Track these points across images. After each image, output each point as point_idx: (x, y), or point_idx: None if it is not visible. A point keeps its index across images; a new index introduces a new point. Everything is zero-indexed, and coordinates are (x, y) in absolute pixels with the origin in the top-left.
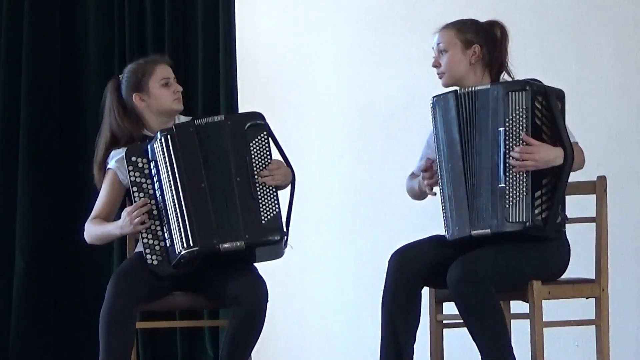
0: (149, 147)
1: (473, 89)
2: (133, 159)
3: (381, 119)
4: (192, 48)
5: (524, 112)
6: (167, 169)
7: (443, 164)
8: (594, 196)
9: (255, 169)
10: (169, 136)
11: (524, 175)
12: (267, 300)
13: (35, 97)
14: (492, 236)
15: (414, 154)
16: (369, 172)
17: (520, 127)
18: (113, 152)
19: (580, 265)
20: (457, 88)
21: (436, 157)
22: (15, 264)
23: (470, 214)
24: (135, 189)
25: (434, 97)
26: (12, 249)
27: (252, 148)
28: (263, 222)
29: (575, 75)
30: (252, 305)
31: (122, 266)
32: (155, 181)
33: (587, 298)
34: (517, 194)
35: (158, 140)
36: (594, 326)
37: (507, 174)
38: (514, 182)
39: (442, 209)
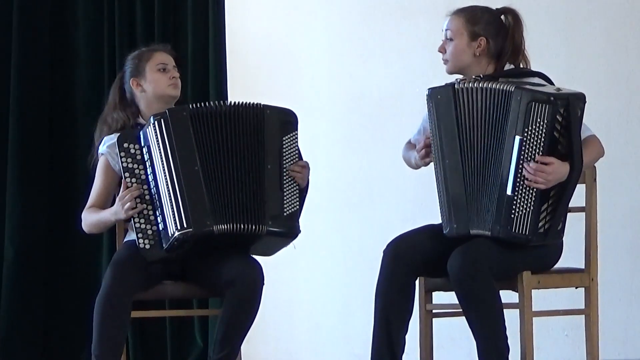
0: (141, 133)
1: (480, 85)
2: (125, 145)
3: (372, 108)
4: (181, 38)
5: (545, 125)
6: (159, 152)
7: (440, 157)
8: (583, 186)
9: (284, 162)
10: (162, 119)
11: (534, 189)
12: (263, 284)
13: (24, 86)
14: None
15: (404, 142)
16: (359, 162)
17: (539, 140)
18: (106, 138)
19: (569, 255)
20: (454, 82)
21: (433, 147)
22: (4, 252)
23: (470, 213)
24: (127, 174)
25: (429, 89)
26: (1, 237)
27: (284, 142)
28: (285, 213)
29: (564, 65)
30: (249, 288)
31: (118, 255)
32: (147, 166)
33: (576, 288)
34: (525, 206)
35: (151, 124)
36: (583, 316)
37: (518, 184)
38: (523, 195)
39: (440, 203)
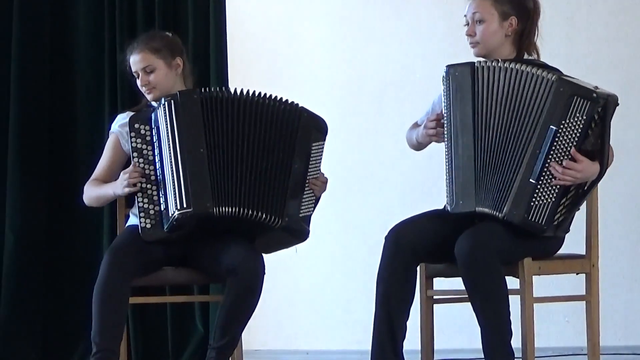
0: (152, 115)
1: (512, 67)
2: (136, 125)
3: (372, 93)
4: (182, 23)
5: (583, 121)
6: (167, 133)
7: (452, 135)
8: None
9: (310, 167)
10: (172, 101)
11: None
12: (264, 273)
13: (25, 74)
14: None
15: (405, 128)
16: (359, 148)
17: (574, 134)
18: (118, 117)
19: (570, 241)
20: (474, 60)
21: (446, 126)
22: (4, 238)
23: (477, 190)
24: (135, 154)
25: (447, 66)
26: (1, 224)
27: (313, 148)
28: (300, 214)
29: (565, 50)
30: (250, 277)
31: (116, 241)
32: (155, 147)
33: (577, 274)
34: (546, 197)
35: (162, 105)
36: (584, 302)
37: (544, 174)
38: (547, 185)
39: (446, 181)
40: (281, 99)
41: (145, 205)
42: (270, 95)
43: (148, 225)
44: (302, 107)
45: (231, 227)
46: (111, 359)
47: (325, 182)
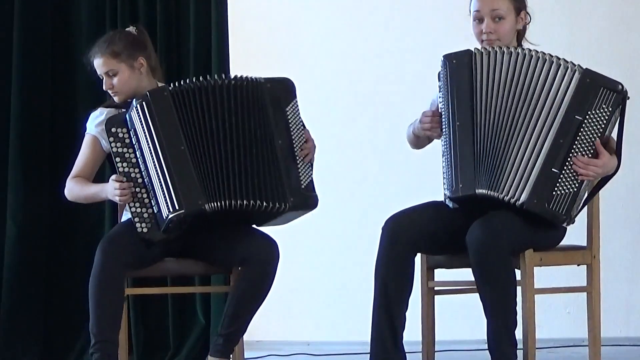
0: (127, 116)
1: (522, 52)
2: (113, 129)
3: (373, 84)
4: (183, 21)
5: (608, 112)
6: (145, 135)
7: (450, 120)
8: None
9: (293, 134)
10: (143, 102)
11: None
12: (278, 261)
13: (26, 66)
14: (517, 208)
15: (406, 120)
16: (359, 139)
17: (599, 126)
18: (92, 114)
19: (571, 233)
20: (471, 48)
21: (444, 115)
22: (7, 230)
23: (477, 173)
24: (118, 159)
25: (444, 55)
26: (3, 215)
27: (288, 114)
28: (302, 186)
29: (566, 41)
30: (264, 266)
31: (110, 233)
32: (136, 149)
33: (578, 265)
34: (569, 187)
35: (134, 108)
36: (585, 293)
37: (568, 165)
38: (570, 175)
39: (444, 170)
40: (242, 77)
41: (138, 210)
42: (235, 76)
43: (145, 229)
44: (263, 78)
45: (241, 216)
46: (110, 349)
47: (312, 142)
